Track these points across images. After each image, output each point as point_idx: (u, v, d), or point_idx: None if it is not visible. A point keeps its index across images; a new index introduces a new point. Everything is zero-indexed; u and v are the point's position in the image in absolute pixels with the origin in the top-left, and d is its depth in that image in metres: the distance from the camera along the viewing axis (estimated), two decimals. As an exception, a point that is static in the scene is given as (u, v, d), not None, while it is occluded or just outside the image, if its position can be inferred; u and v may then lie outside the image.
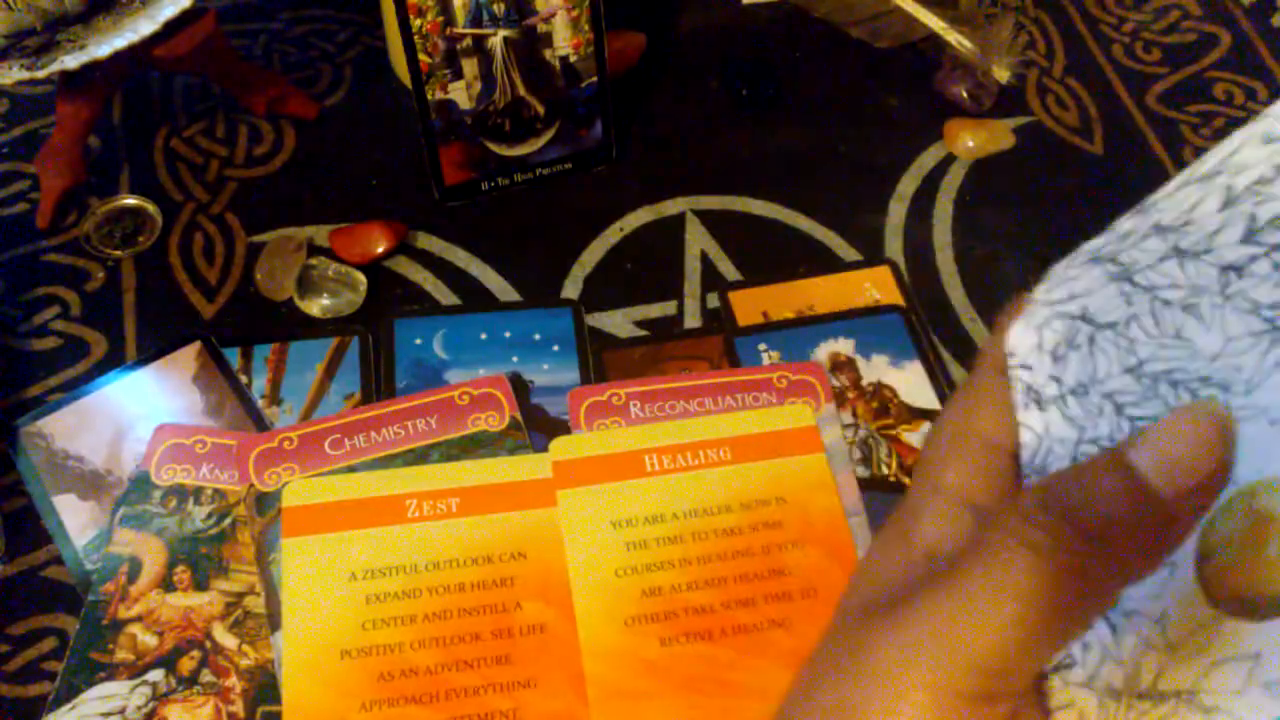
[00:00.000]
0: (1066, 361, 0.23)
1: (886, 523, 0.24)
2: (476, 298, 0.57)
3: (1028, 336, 0.24)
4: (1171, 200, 0.23)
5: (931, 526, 0.22)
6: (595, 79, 0.59)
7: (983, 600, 0.18)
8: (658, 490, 0.49)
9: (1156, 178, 0.64)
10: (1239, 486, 0.19)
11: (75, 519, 0.48)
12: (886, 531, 0.23)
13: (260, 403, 0.52)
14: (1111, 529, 0.18)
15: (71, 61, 0.53)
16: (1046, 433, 0.23)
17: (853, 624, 0.21)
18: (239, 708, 0.44)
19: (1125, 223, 0.24)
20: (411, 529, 0.47)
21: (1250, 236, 0.21)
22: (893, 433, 0.52)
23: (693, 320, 0.57)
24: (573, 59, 0.58)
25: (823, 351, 0.55)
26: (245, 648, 0.45)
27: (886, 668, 0.19)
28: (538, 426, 0.52)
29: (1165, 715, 0.20)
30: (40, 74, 0.52)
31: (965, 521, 0.22)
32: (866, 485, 0.50)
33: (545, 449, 0.50)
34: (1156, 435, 0.18)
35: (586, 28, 0.57)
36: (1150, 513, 0.18)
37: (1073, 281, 0.24)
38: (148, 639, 0.45)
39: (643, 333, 0.56)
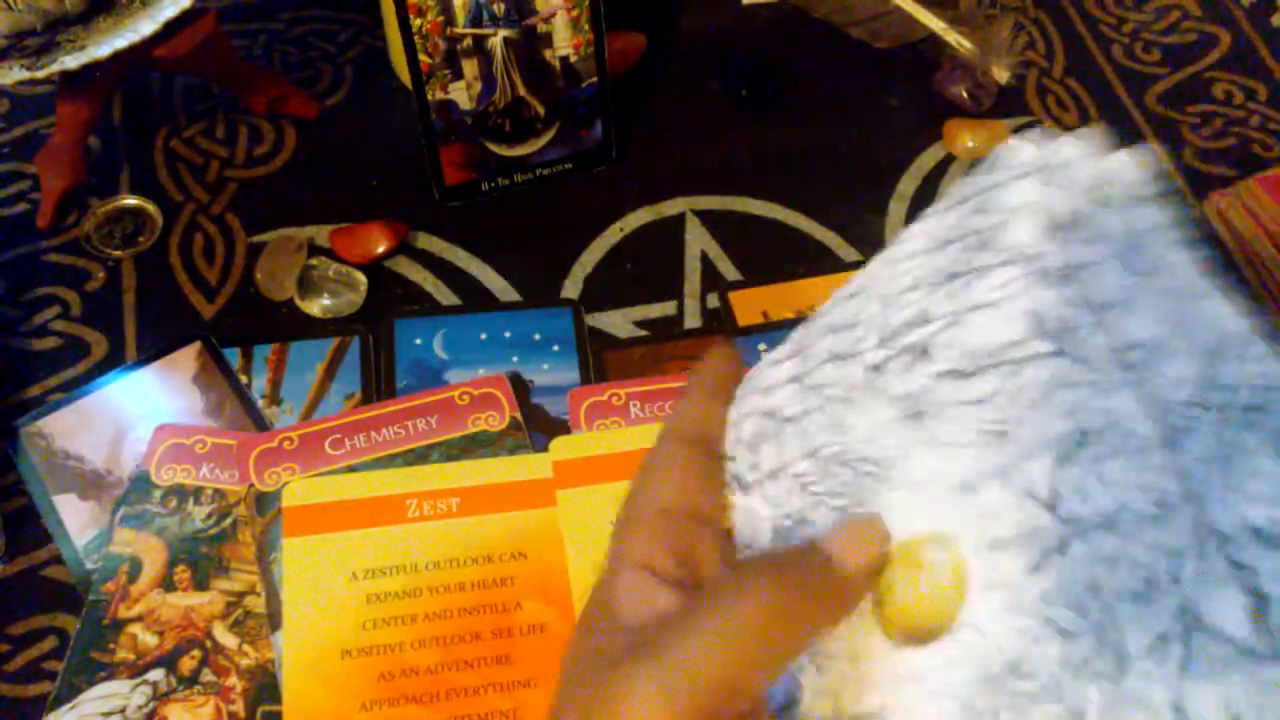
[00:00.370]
0: (761, 451, 0.28)
1: (592, 592, 0.27)
2: (476, 298, 0.57)
3: (731, 432, 0.29)
4: (836, 309, 0.28)
5: (627, 600, 0.26)
6: (595, 79, 0.59)
7: (715, 634, 0.23)
8: (658, 490, 0.49)
9: (1156, 178, 0.64)
10: (894, 543, 0.24)
11: (75, 519, 0.48)
12: (591, 603, 0.27)
13: (260, 403, 0.52)
14: (809, 586, 0.24)
15: (72, 62, 0.53)
16: (753, 512, 0.27)
17: (585, 677, 0.25)
18: (239, 707, 0.44)
19: (799, 332, 0.29)
20: (412, 529, 0.47)
21: (884, 342, 0.26)
22: (893, 432, 0.52)
23: (693, 320, 0.57)
24: (573, 59, 0.58)
25: (823, 351, 0.55)
26: (246, 647, 0.45)
27: (629, 698, 0.23)
28: (538, 426, 0.52)
29: None
30: (41, 74, 0.52)
31: (656, 594, 0.25)
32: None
33: (545, 449, 0.50)
34: (844, 529, 0.25)
35: (587, 28, 0.57)
36: (835, 580, 0.24)
37: (765, 384, 0.28)
38: (148, 638, 0.45)
39: (643, 333, 0.56)
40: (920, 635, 0.24)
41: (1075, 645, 0.21)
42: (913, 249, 0.26)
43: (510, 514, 0.48)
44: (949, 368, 0.24)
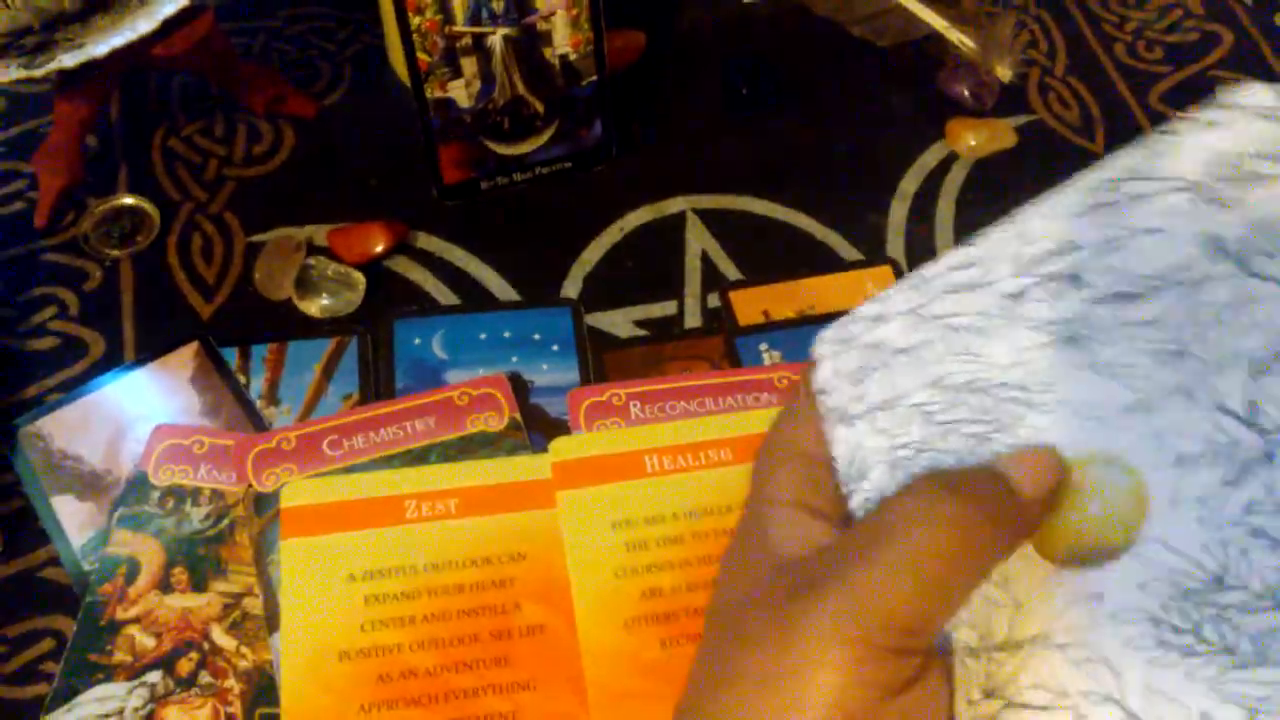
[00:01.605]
0: (867, 382, 0.27)
1: (736, 535, 0.27)
2: (476, 297, 0.57)
3: (824, 367, 0.29)
4: (951, 255, 0.28)
5: (781, 534, 0.26)
6: (595, 77, 0.59)
7: (896, 564, 0.22)
8: (658, 491, 0.48)
9: (1159, 177, 0.64)
10: None
11: (73, 519, 0.48)
12: (739, 543, 0.27)
13: (258, 403, 0.52)
14: (989, 511, 0.23)
15: (69, 60, 0.52)
16: (859, 444, 0.27)
17: (747, 620, 0.25)
18: (237, 709, 0.44)
19: (903, 280, 0.29)
20: (410, 530, 0.47)
21: (1022, 271, 0.26)
22: (894, 433, 0.52)
23: (693, 320, 0.57)
24: (572, 57, 0.58)
25: (823, 351, 0.54)
26: (244, 649, 0.45)
27: (806, 635, 0.22)
28: (537, 426, 0.52)
29: (1024, 659, 0.24)
30: (38, 73, 0.52)
31: (810, 526, 0.26)
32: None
33: (545, 449, 0.50)
34: (1019, 455, 0.24)
35: (586, 26, 0.57)
36: (1015, 506, 0.24)
37: (868, 315, 0.29)
38: (146, 640, 0.45)
39: (643, 333, 0.56)
40: (1091, 557, 0.23)
41: None
42: (1044, 205, 0.27)
43: (509, 515, 0.48)
44: (1109, 292, 0.24)
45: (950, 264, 0.28)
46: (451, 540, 0.47)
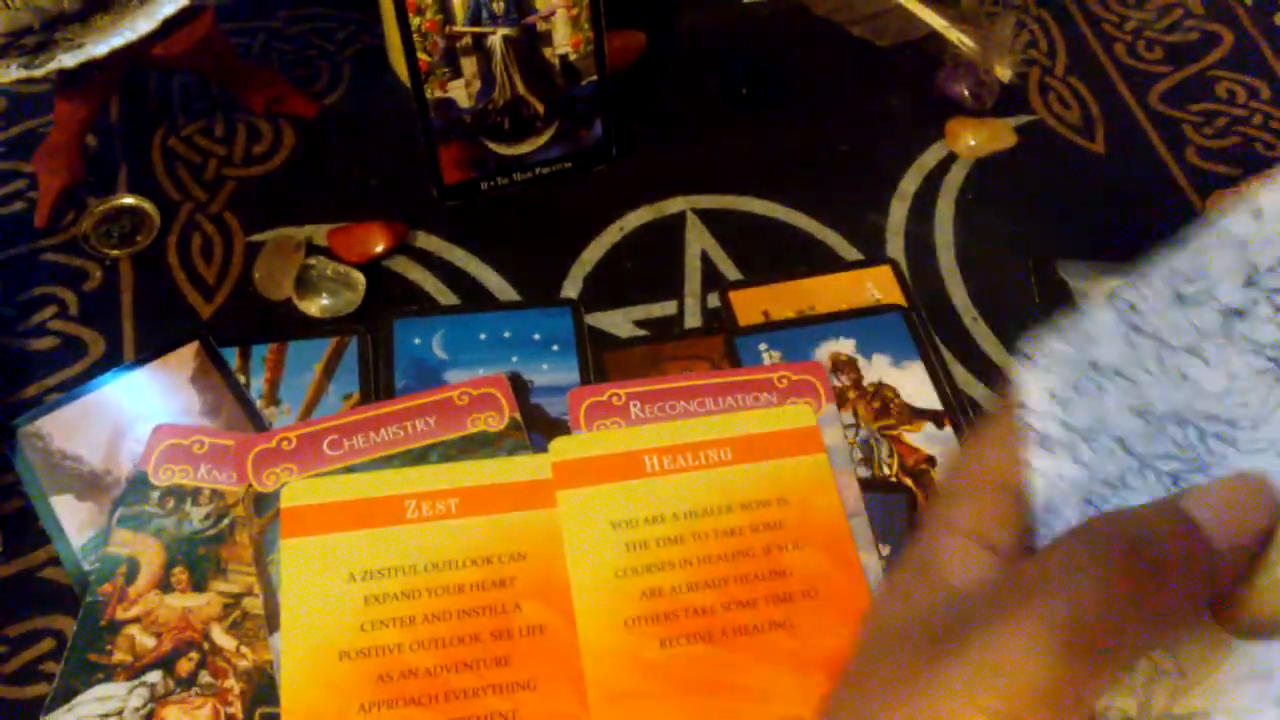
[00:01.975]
0: (1074, 406, 0.24)
1: (905, 558, 0.24)
2: (476, 297, 0.57)
3: (1035, 383, 0.25)
4: (1181, 256, 0.24)
5: (954, 566, 0.23)
6: (595, 78, 0.59)
7: (1040, 631, 0.19)
8: (658, 491, 0.48)
9: (1159, 177, 0.64)
10: None
11: (73, 519, 0.48)
12: (906, 567, 0.24)
13: (258, 403, 0.52)
14: (1168, 564, 0.19)
15: (69, 60, 0.52)
16: (1058, 476, 0.24)
17: (899, 654, 0.22)
18: (237, 709, 0.44)
19: (1130, 279, 0.25)
20: (410, 530, 0.47)
21: (1250, 282, 0.22)
22: (894, 433, 0.52)
23: (693, 320, 0.57)
24: (572, 57, 0.58)
25: (824, 351, 0.54)
26: (244, 649, 0.45)
27: (948, 694, 0.20)
28: (538, 426, 0.52)
29: None
30: (38, 73, 0.52)
31: (985, 561, 0.23)
32: (868, 486, 0.50)
33: (545, 449, 0.50)
34: (1216, 491, 0.20)
35: (586, 26, 0.57)
36: (1203, 558, 0.19)
37: (1079, 330, 0.25)
38: (146, 640, 0.45)
39: (643, 333, 0.56)
40: (1270, 628, 0.20)
41: None
42: None
43: (509, 515, 0.48)
44: None
45: (1175, 265, 0.24)
46: (451, 540, 0.47)
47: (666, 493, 0.48)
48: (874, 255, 0.60)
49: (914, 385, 0.53)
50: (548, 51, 0.57)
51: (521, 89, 0.58)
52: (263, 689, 0.44)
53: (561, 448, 0.50)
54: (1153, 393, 0.23)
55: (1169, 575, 0.19)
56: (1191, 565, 0.19)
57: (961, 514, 0.24)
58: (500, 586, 0.46)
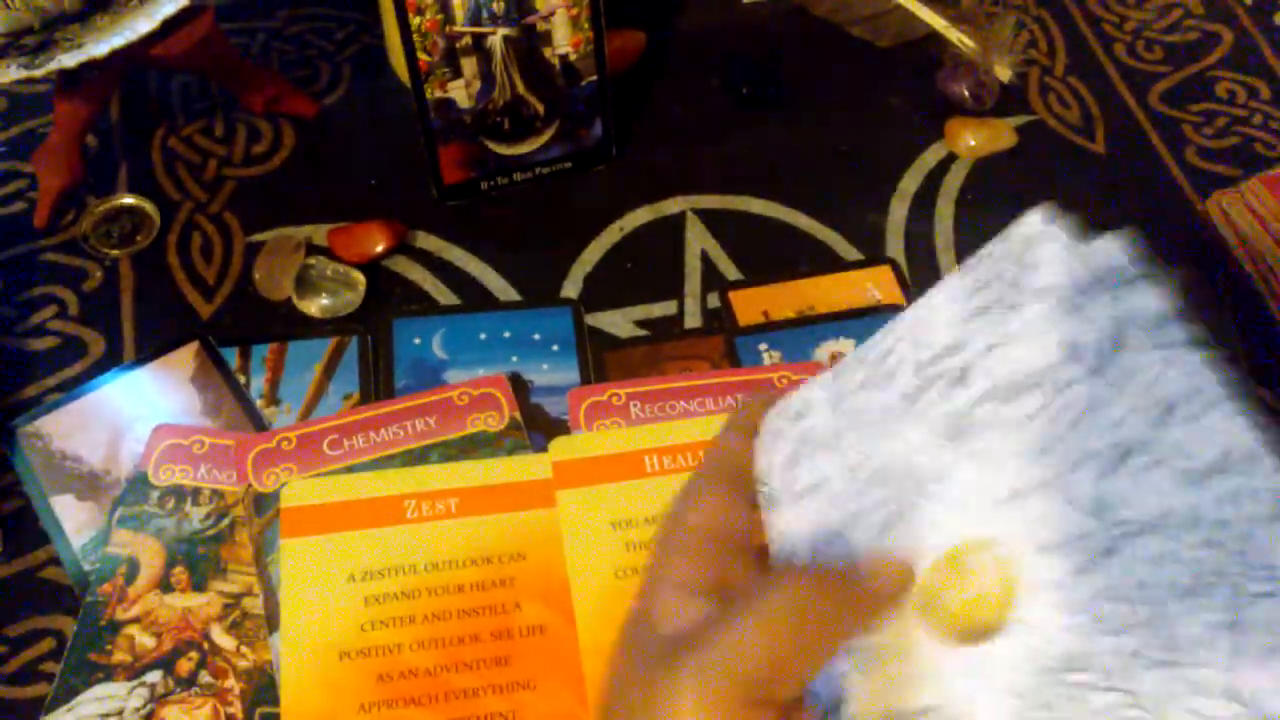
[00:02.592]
0: (796, 470, 0.30)
1: (631, 613, 0.29)
2: (476, 297, 0.57)
3: (764, 457, 0.31)
4: (866, 349, 0.30)
5: (662, 613, 0.27)
6: (595, 78, 0.59)
7: (750, 627, 0.25)
8: (658, 491, 0.48)
9: (1159, 177, 0.64)
10: (942, 551, 0.26)
11: (73, 520, 0.48)
12: (631, 622, 0.29)
13: (258, 403, 0.52)
14: (841, 594, 0.26)
15: (69, 60, 0.52)
16: (789, 530, 0.29)
17: (628, 683, 0.27)
18: (237, 709, 0.44)
19: (826, 372, 0.31)
20: (410, 530, 0.47)
21: (920, 370, 0.28)
22: (894, 433, 0.52)
23: (693, 320, 0.57)
24: (572, 57, 0.58)
25: (824, 351, 0.54)
26: (243, 649, 0.45)
27: (669, 696, 0.24)
28: (538, 426, 0.52)
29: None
30: (38, 73, 0.52)
31: (691, 605, 0.27)
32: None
33: (545, 449, 0.50)
34: (877, 557, 0.27)
35: (586, 26, 0.57)
36: (865, 591, 0.26)
37: (796, 411, 0.31)
38: (146, 640, 0.45)
39: (643, 333, 0.56)
40: (971, 635, 0.25)
41: (1129, 638, 0.23)
42: (941, 297, 0.29)
43: (509, 515, 0.48)
44: (989, 389, 0.27)
45: (860, 358, 0.30)
46: (451, 540, 0.47)
47: (667, 492, 0.48)
48: (874, 255, 0.60)
49: (914, 385, 0.53)
50: (548, 51, 0.57)
51: (521, 89, 0.58)
52: (263, 689, 0.44)
53: (561, 448, 0.50)
54: (856, 458, 0.29)
55: (839, 597, 0.26)
56: (855, 593, 0.26)
57: (670, 567, 0.29)
58: (500, 586, 0.46)
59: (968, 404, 0.27)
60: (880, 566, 0.27)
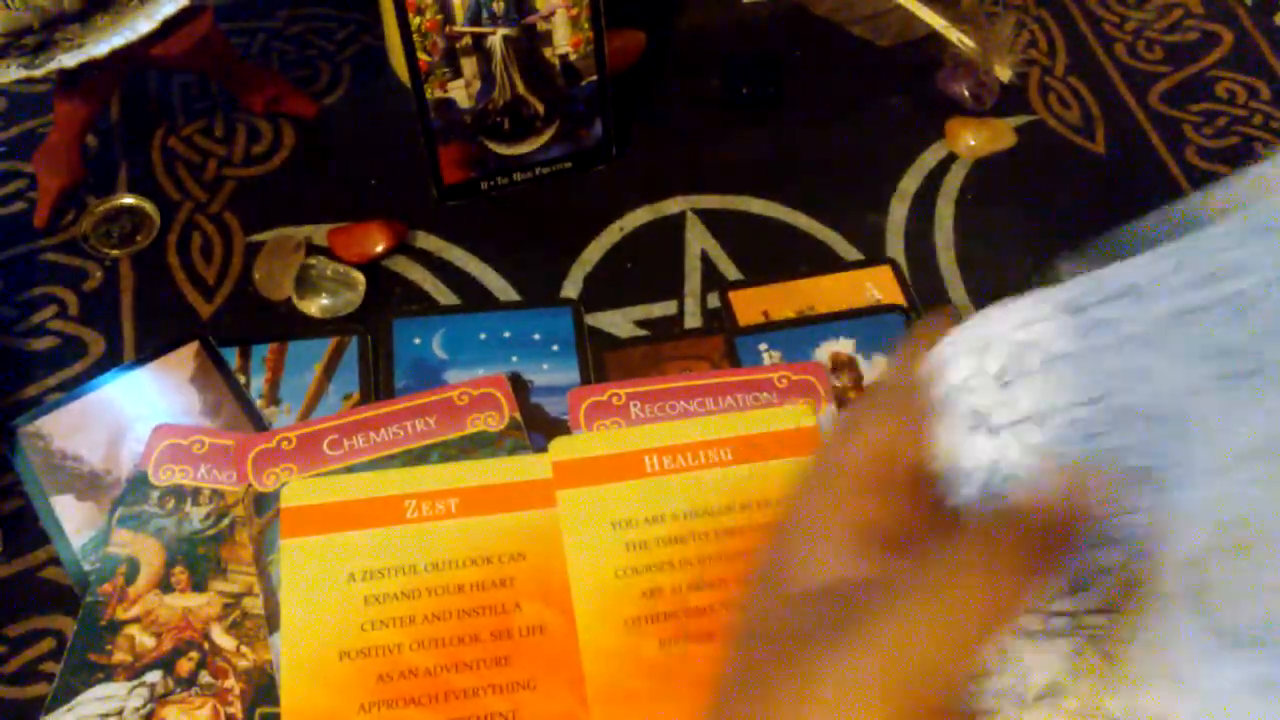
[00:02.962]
0: (1018, 387, 0.23)
1: (770, 560, 0.23)
2: (476, 297, 0.57)
3: (967, 360, 0.24)
4: (1136, 257, 0.24)
5: (825, 564, 0.22)
6: (595, 77, 0.59)
7: (928, 619, 0.19)
8: (658, 491, 0.48)
9: (1159, 177, 0.64)
10: (1205, 526, 0.20)
11: (73, 519, 0.48)
12: (771, 570, 0.23)
13: (258, 403, 0.52)
14: (1042, 557, 0.20)
15: (69, 60, 0.52)
16: (1002, 458, 0.23)
17: (780, 654, 0.21)
18: (237, 709, 0.44)
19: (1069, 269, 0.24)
20: (410, 530, 0.47)
21: (1206, 283, 0.22)
22: (894, 433, 0.52)
23: (693, 320, 0.57)
24: (572, 57, 0.58)
25: (824, 351, 0.54)
26: (243, 649, 0.45)
27: (825, 685, 0.19)
28: (538, 426, 0.52)
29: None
30: (38, 73, 0.52)
31: (861, 558, 0.22)
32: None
33: (545, 449, 0.50)
34: (1069, 482, 0.21)
35: (586, 26, 0.57)
36: (1069, 540, 0.20)
37: (1016, 310, 0.24)
38: (146, 640, 0.45)
39: (643, 333, 0.56)
40: None
41: None
42: (1206, 230, 0.23)
43: (510, 515, 0.48)
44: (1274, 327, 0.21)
45: (1105, 272, 0.24)
46: (451, 540, 0.47)
47: (666, 493, 0.48)
48: (874, 255, 0.60)
49: (914, 385, 0.53)
50: (548, 51, 0.57)
51: (521, 89, 0.58)
52: (262, 689, 0.44)
53: (561, 447, 0.50)
54: (1109, 383, 0.22)
55: (1039, 561, 0.20)
56: (1059, 548, 0.20)
57: (832, 499, 0.23)
58: (500, 586, 0.46)
59: (1251, 339, 0.21)
60: (1079, 498, 0.20)
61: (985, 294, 0.58)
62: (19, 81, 0.53)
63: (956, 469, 0.24)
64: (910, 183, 0.63)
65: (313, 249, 0.58)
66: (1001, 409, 0.23)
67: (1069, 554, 0.20)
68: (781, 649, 0.21)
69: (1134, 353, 0.22)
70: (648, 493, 0.48)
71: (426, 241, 0.59)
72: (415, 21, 0.54)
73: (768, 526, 0.24)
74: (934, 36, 0.67)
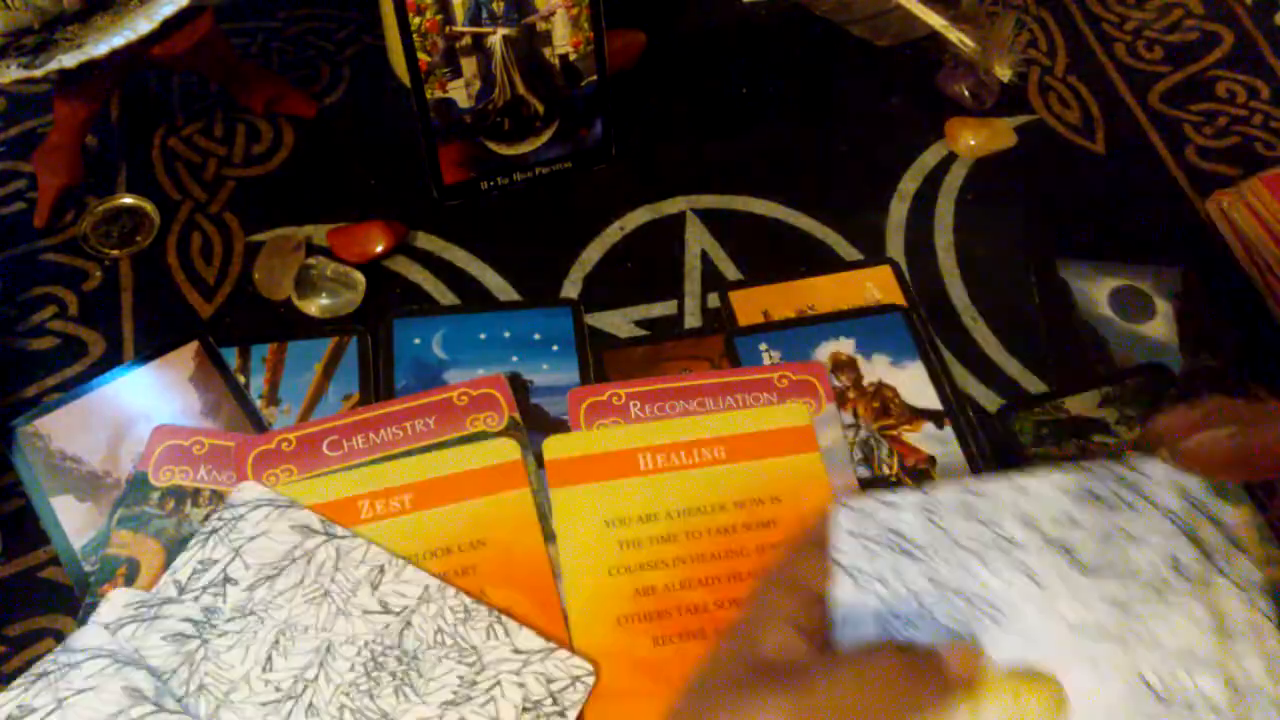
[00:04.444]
0: (879, 561, 0.33)
1: (733, 634, 0.33)
2: (476, 297, 0.57)
3: (842, 531, 0.34)
4: (979, 482, 0.35)
5: (770, 642, 0.31)
6: (595, 77, 0.59)
7: (850, 682, 0.29)
8: (651, 489, 0.48)
9: (1159, 177, 0.64)
10: (1000, 672, 0.31)
11: (73, 520, 0.48)
12: (733, 640, 0.32)
13: (258, 403, 0.52)
14: (926, 675, 0.30)
15: (69, 60, 0.52)
16: (860, 602, 0.33)
17: (719, 696, 0.30)
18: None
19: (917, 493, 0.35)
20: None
21: (1027, 525, 0.34)
22: (894, 433, 0.52)
23: (693, 320, 0.57)
24: (572, 57, 0.58)
25: (824, 351, 0.54)
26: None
27: (759, 708, 0.28)
28: (537, 426, 0.52)
29: None
30: (38, 73, 0.52)
31: (795, 641, 0.31)
32: (868, 485, 0.50)
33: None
34: (953, 645, 0.31)
35: (586, 26, 0.57)
36: (943, 677, 0.30)
37: (889, 506, 0.34)
38: (145, 640, 0.45)
39: (643, 333, 0.56)
40: None
41: None
42: (1044, 485, 0.34)
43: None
44: (1085, 563, 0.32)
45: (956, 493, 0.34)
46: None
47: (660, 491, 0.48)
48: (874, 255, 0.60)
49: (914, 385, 0.53)
50: (548, 51, 0.57)
51: (521, 89, 0.58)
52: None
53: (554, 446, 0.50)
54: (945, 573, 0.33)
55: (924, 676, 0.30)
56: (936, 677, 0.30)
57: (783, 605, 0.33)
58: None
59: (1063, 567, 0.32)
60: (962, 655, 0.31)
61: (985, 294, 0.58)
62: (19, 81, 0.53)
63: (843, 605, 0.34)
64: (910, 183, 0.63)
65: (313, 249, 0.58)
66: (864, 568, 0.34)
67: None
68: (734, 693, 0.30)
69: (964, 559, 0.33)
70: (641, 492, 0.48)
71: (426, 241, 0.59)
72: (415, 21, 0.54)
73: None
74: (934, 37, 0.67)
